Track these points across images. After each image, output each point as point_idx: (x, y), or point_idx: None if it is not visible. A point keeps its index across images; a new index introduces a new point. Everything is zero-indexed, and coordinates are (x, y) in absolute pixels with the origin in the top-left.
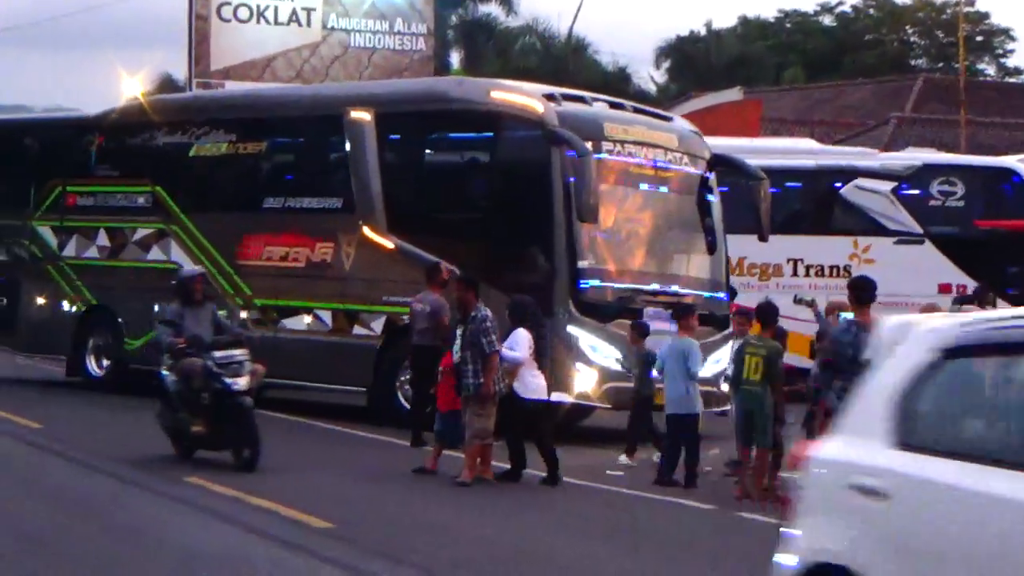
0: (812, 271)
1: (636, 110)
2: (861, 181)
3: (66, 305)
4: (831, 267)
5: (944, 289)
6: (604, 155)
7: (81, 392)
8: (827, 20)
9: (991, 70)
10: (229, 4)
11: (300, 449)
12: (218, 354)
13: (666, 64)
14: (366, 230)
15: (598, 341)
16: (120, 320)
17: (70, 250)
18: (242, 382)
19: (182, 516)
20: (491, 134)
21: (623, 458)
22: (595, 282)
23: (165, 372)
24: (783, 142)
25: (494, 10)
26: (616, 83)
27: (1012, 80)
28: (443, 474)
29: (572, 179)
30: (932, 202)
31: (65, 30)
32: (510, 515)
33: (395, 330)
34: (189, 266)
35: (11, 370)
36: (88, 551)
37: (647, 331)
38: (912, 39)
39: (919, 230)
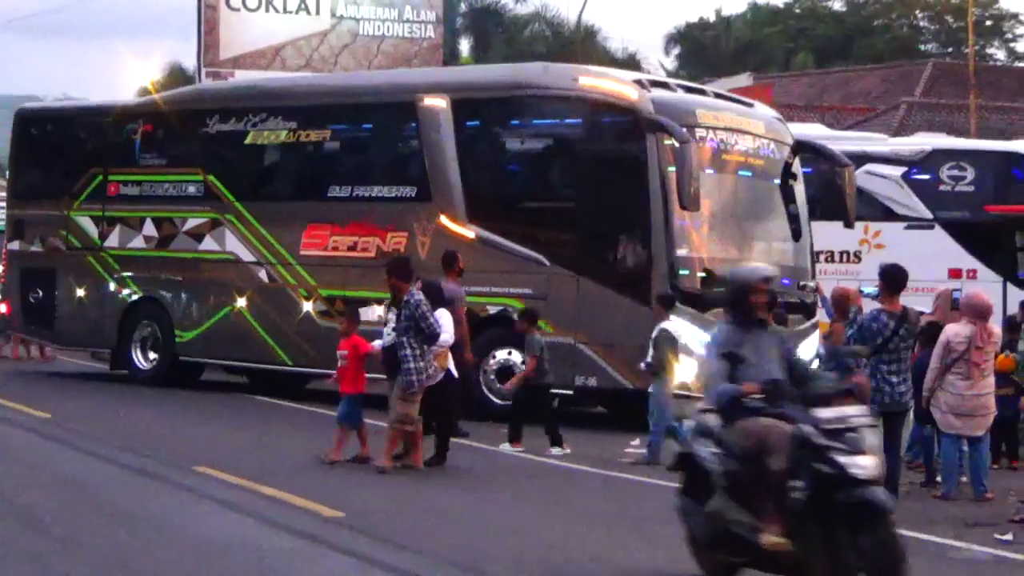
0: (823, 256)
1: (717, 95)
2: (871, 166)
3: (110, 297)
4: (842, 252)
5: (954, 274)
6: (697, 141)
7: (93, 381)
8: (837, 5)
9: (1001, 54)
10: None
11: (311, 438)
12: (825, 414)
13: (676, 51)
14: (444, 219)
15: (699, 331)
16: (169, 312)
17: (113, 240)
18: (867, 464)
19: (192, 505)
20: (580, 121)
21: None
22: (694, 270)
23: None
24: (793, 128)
25: None
26: (626, 70)
27: (1022, 64)
28: (452, 465)
29: (671, 166)
30: (942, 187)
31: (74, 20)
32: (519, 503)
33: (476, 321)
34: (247, 255)
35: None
36: (97, 540)
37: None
38: (922, 24)
39: (929, 215)
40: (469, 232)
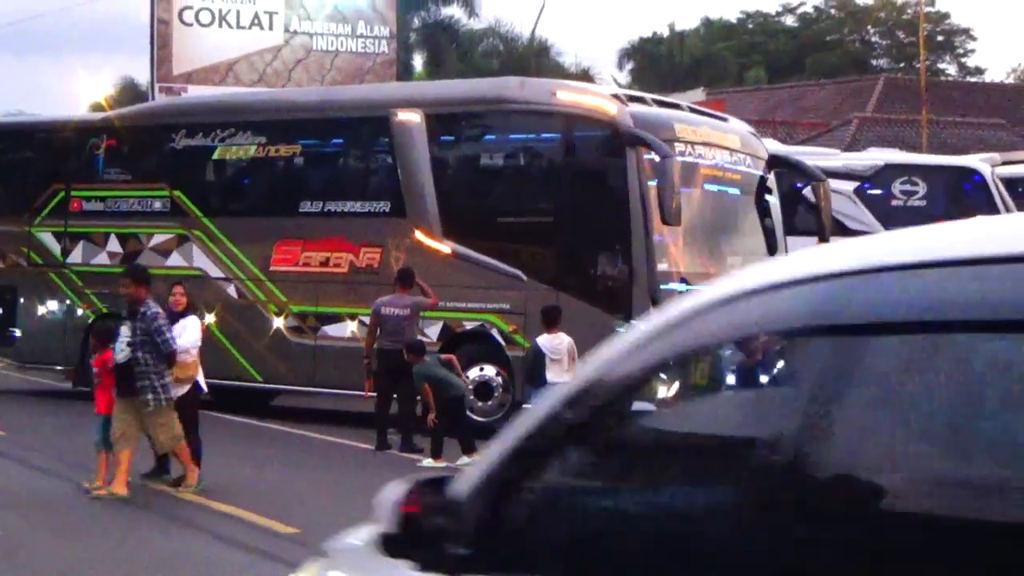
0: None
1: (692, 110)
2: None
3: (73, 313)
4: None
5: None
6: (676, 156)
7: (51, 400)
8: (789, 21)
9: (952, 69)
10: (191, 8)
11: (268, 456)
12: None
13: (629, 66)
14: (419, 234)
15: None
16: None
17: (76, 256)
18: None
19: (144, 522)
20: (558, 135)
21: None
22: (674, 285)
23: None
24: None
25: (456, 12)
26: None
27: (973, 79)
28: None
29: (651, 181)
30: (894, 202)
31: (26, 35)
32: None
33: (452, 336)
34: (216, 271)
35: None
36: (48, 556)
37: None
38: (873, 39)
39: (882, 230)
40: (445, 247)
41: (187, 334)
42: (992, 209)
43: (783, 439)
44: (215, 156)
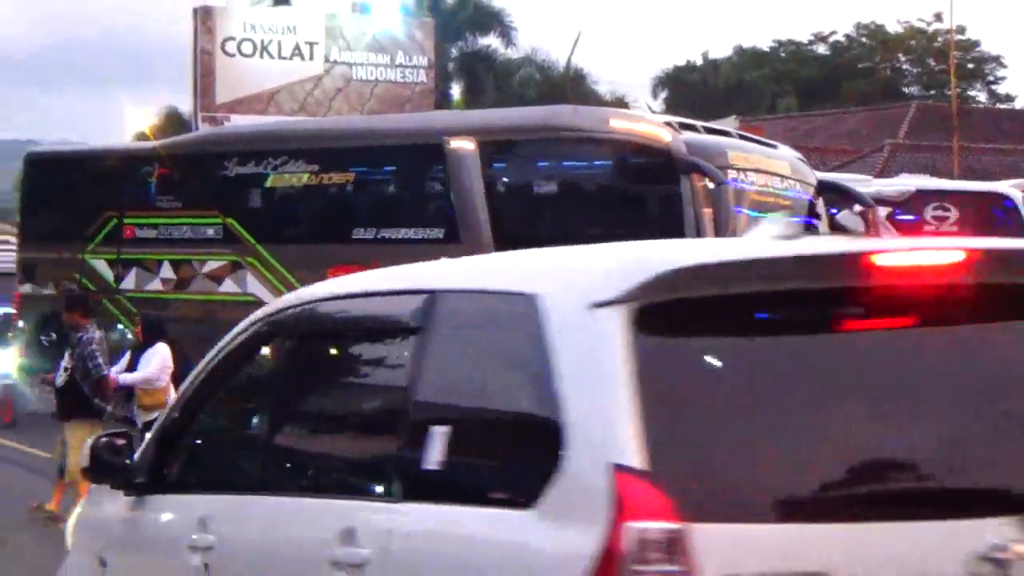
0: None
1: (741, 137)
2: (857, 207)
3: (124, 339)
4: None
5: None
6: (731, 183)
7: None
8: (821, 49)
9: (982, 96)
10: (233, 39)
11: None
12: None
13: (663, 94)
14: None
15: None
16: (188, 354)
17: (129, 283)
18: None
19: None
20: (612, 162)
21: None
22: None
23: None
24: None
25: (493, 42)
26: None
27: (1003, 106)
28: None
29: (705, 207)
30: (926, 227)
31: (71, 66)
32: None
33: None
34: (269, 297)
35: None
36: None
37: None
38: (904, 67)
39: None
40: None
41: (151, 363)
42: (1022, 233)
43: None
44: (268, 183)
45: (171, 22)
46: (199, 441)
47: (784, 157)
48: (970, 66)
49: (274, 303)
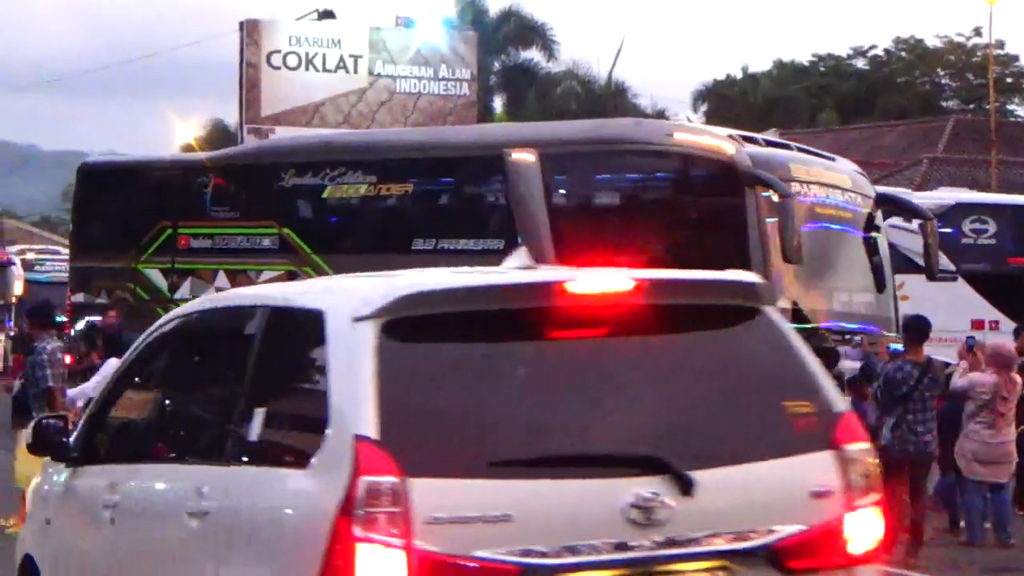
0: None
1: (800, 150)
2: (895, 220)
3: None
4: None
5: (976, 326)
6: (796, 195)
7: None
8: (860, 63)
9: (1021, 111)
10: (279, 52)
11: None
12: None
13: (703, 107)
14: None
15: None
16: None
17: (183, 292)
18: None
19: None
20: (675, 175)
21: None
22: (795, 324)
23: None
24: None
25: (535, 55)
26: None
27: None
28: None
29: (770, 219)
30: (964, 240)
31: (118, 79)
32: None
33: None
34: None
35: None
36: None
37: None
38: (943, 81)
39: (952, 267)
40: None
41: (92, 379)
42: None
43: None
44: (325, 194)
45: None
46: (114, 422)
47: (844, 170)
48: (1009, 80)
49: (169, 314)
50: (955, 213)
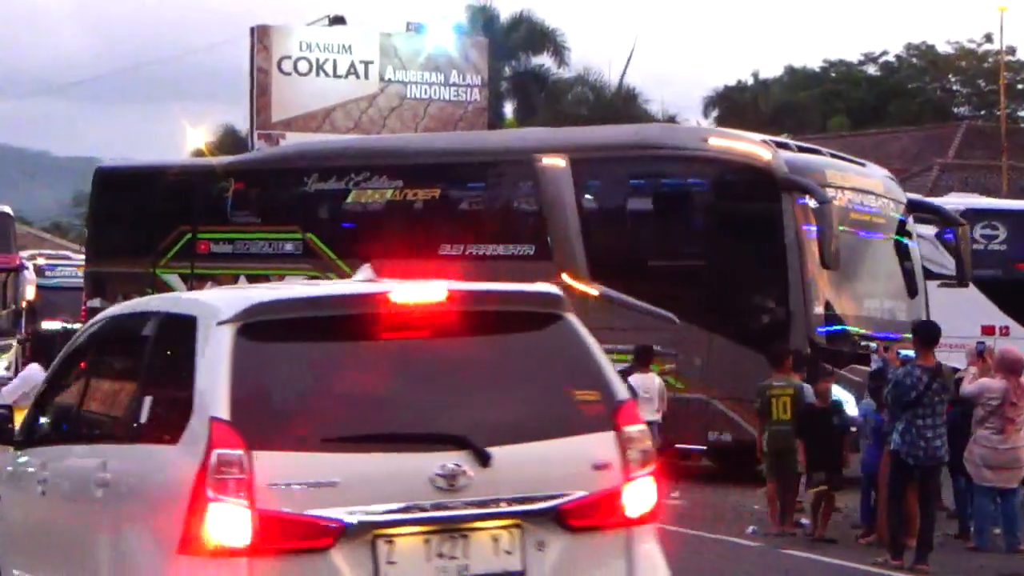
0: None
1: (832, 155)
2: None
3: None
4: None
5: (987, 331)
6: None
7: None
8: (871, 69)
9: None
10: (289, 58)
11: None
12: None
13: (714, 113)
14: (565, 277)
15: (839, 389)
16: None
17: None
18: None
19: None
20: (710, 180)
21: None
22: (831, 328)
23: None
24: None
25: (546, 61)
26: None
27: None
28: None
29: (805, 225)
30: (975, 245)
31: (128, 85)
32: None
33: None
34: None
35: None
36: None
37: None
38: (954, 87)
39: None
40: (593, 290)
41: (15, 381)
42: None
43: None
44: (350, 199)
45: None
46: (50, 409)
47: (876, 175)
48: (1020, 86)
49: (95, 317)
50: (966, 218)
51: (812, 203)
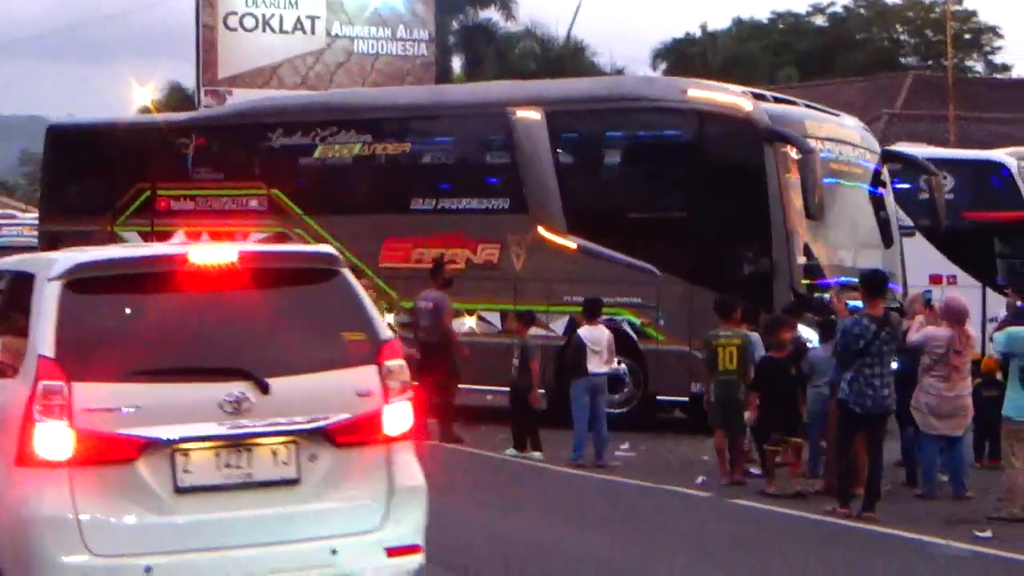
0: None
1: (807, 106)
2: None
3: None
4: None
5: (935, 280)
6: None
7: None
8: (819, 20)
9: (979, 67)
10: (235, 14)
11: None
12: None
13: (663, 66)
14: (542, 230)
15: (807, 330)
16: None
17: None
18: None
19: None
20: (690, 132)
21: None
22: (813, 279)
23: None
24: None
25: (494, 15)
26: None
27: (999, 76)
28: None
29: (787, 175)
30: (922, 195)
31: (74, 42)
32: (511, 503)
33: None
34: None
35: None
36: None
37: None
38: (902, 37)
39: (910, 223)
40: (570, 243)
41: None
42: (1018, 201)
43: None
44: (317, 154)
45: None
46: None
47: (851, 125)
48: (967, 36)
49: None
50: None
51: (794, 154)
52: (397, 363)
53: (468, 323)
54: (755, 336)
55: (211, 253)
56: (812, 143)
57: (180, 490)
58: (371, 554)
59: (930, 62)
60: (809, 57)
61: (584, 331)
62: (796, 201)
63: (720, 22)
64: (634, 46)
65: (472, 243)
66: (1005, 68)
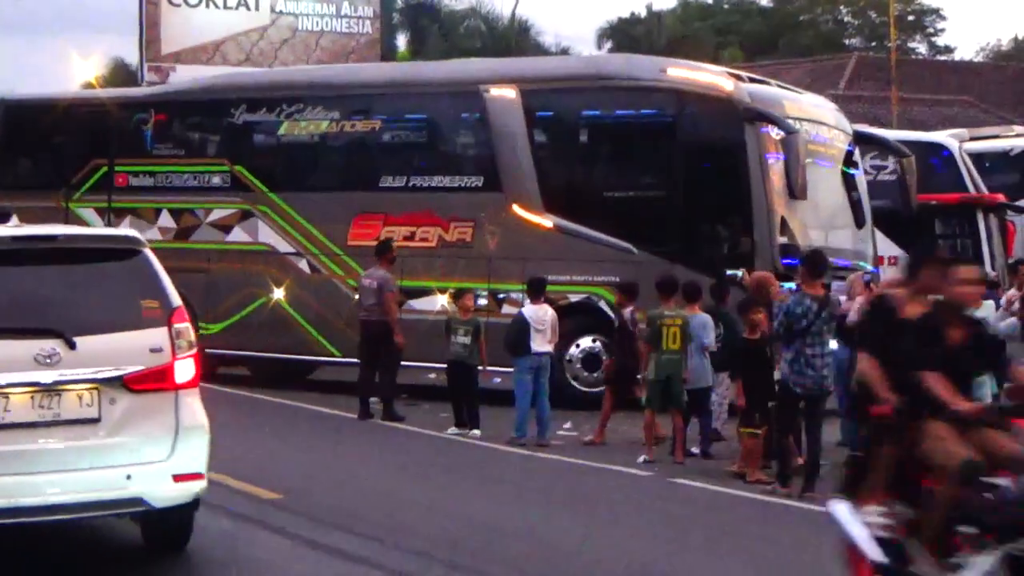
0: None
1: (779, 86)
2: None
3: None
4: None
5: (878, 261)
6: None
7: None
8: (764, 1)
9: (922, 48)
10: None
11: (250, 423)
12: None
13: (608, 45)
14: (517, 209)
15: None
16: (191, 305)
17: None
18: None
19: None
20: (670, 111)
21: None
22: (793, 258)
23: None
24: None
25: None
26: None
27: (942, 58)
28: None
29: (767, 155)
30: (865, 177)
31: (11, 16)
32: (455, 483)
33: (556, 309)
34: (284, 246)
35: None
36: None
37: None
38: (846, 19)
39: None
40: (546, 221)
41: None
42: (960, 182)
43: None
44: (282, 131)
45: None
46: None
47: (827, 106)
48: (910, 18)
49: None
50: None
51: (775, 133)
52: (184, 326)
53: (439, 301)
54: (704, 317)
55: (30, 233)
56: (792, 123)
57: (1, 426)
58: (160, 479)
59: (873, 44)
60: (754, 38)
61: (528, 310)
62: (776, 181)
63: (666, 2)
64: (579, 25)
65: (444, 222)
66: (948, 50)
